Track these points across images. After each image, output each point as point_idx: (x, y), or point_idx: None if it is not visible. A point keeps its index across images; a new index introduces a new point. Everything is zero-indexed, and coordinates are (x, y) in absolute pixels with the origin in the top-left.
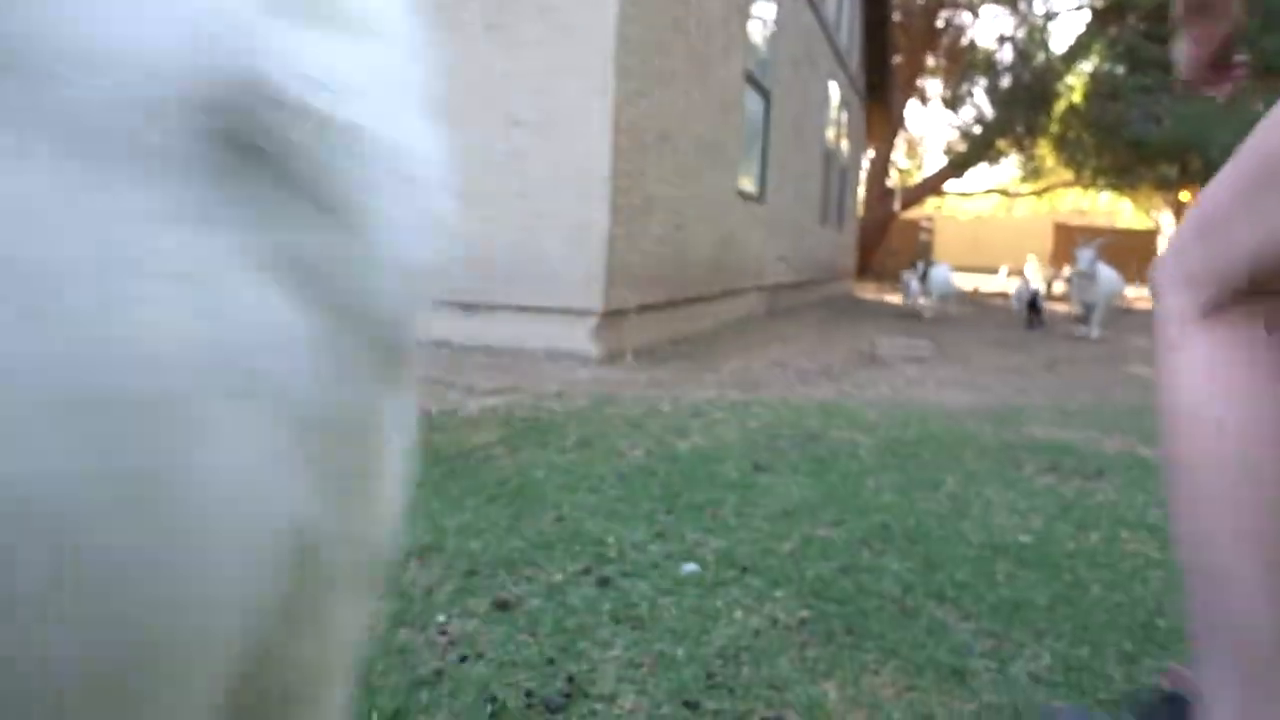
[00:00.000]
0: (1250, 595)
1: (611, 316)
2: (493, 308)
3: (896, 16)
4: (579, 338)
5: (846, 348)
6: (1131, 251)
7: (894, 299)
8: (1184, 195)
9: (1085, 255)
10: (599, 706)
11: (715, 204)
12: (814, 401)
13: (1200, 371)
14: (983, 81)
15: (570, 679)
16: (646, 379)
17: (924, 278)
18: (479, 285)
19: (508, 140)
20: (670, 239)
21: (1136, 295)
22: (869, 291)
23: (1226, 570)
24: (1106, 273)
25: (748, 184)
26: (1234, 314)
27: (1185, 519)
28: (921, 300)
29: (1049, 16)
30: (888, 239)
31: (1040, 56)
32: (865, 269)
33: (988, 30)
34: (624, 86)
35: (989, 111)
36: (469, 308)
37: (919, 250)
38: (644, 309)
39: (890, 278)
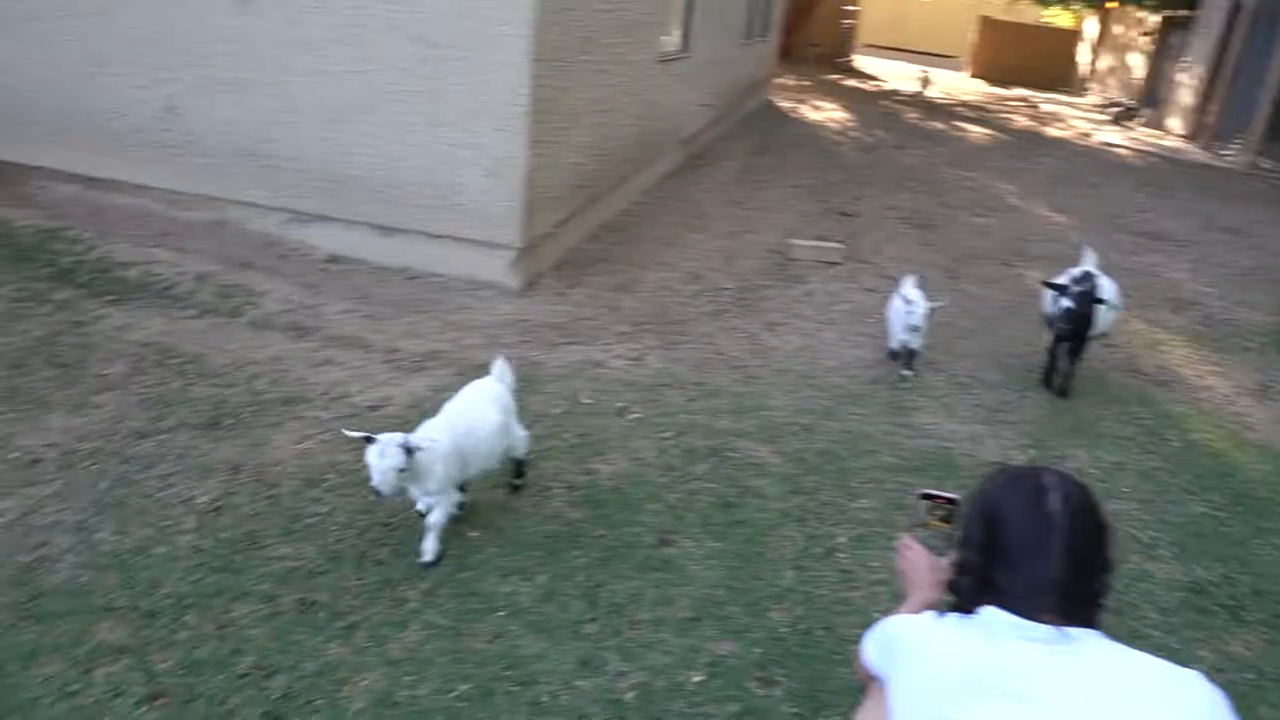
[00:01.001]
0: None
1: (531, 246)
2: (410, 232)
3: None
4: (498, 269)
5: (762, 248)
6: (1050, 53)
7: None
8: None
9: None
10: None
11: (637, 79)
12: (727, 391)
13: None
14: None
15: None
16: (564, 314)
17: None
18: (396, 210)
19: (423, 63)
20: (593, 136)
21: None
22: (787, 94)
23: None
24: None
25: (671, 44)
26: None
27: None
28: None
29: None
30: (810, 28)
31: None
32: (786, 54)
33: None
34: (547, 4)
35: None
36: (386, 230)
37: (841, 37)
38: (564, 221)
39: (809, 65)
